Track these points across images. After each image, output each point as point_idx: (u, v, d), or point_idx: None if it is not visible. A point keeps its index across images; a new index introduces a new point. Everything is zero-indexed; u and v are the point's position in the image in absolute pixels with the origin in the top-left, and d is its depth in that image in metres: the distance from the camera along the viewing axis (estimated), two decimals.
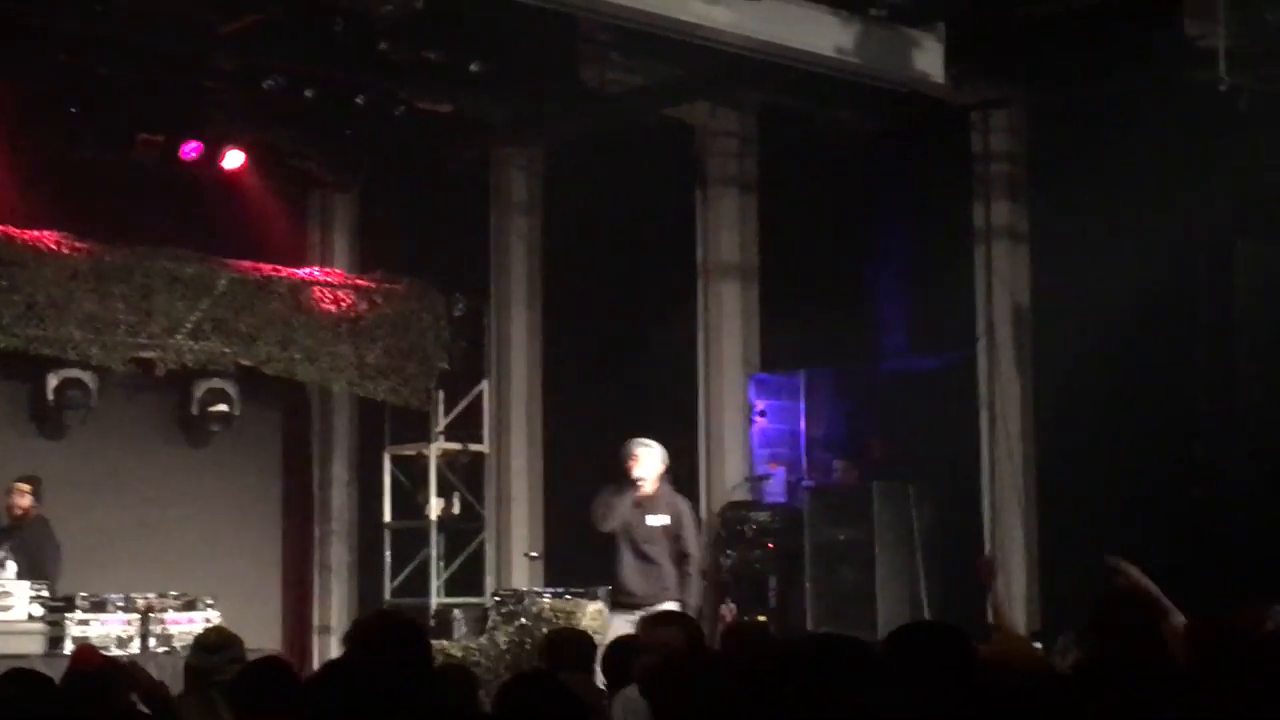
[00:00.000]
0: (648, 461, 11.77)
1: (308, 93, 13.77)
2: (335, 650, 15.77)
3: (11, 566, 12.46)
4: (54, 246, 13.63)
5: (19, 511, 13.31)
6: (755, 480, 14.04)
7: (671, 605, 10.84)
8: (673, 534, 11.68)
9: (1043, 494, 12.77)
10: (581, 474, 14.76)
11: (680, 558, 11.67)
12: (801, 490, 13.71)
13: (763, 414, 14.12)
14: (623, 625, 10.95)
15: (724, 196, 14.42)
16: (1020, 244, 13.00)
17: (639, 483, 11.70)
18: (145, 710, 6.59)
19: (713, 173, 14.47)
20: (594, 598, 12.92)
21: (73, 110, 13.92)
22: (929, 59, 11.75)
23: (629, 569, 11.66)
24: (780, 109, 13.93)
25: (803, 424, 14.10)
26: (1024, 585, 12.58)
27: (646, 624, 7.22)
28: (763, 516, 13.69)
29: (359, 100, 13.96)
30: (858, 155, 13.73)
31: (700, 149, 14.52)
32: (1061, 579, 12.28)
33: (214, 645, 7.41)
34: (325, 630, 16.13)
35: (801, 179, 14.10)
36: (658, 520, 11.69)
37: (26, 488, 13.37)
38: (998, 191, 13.04)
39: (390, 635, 4.33)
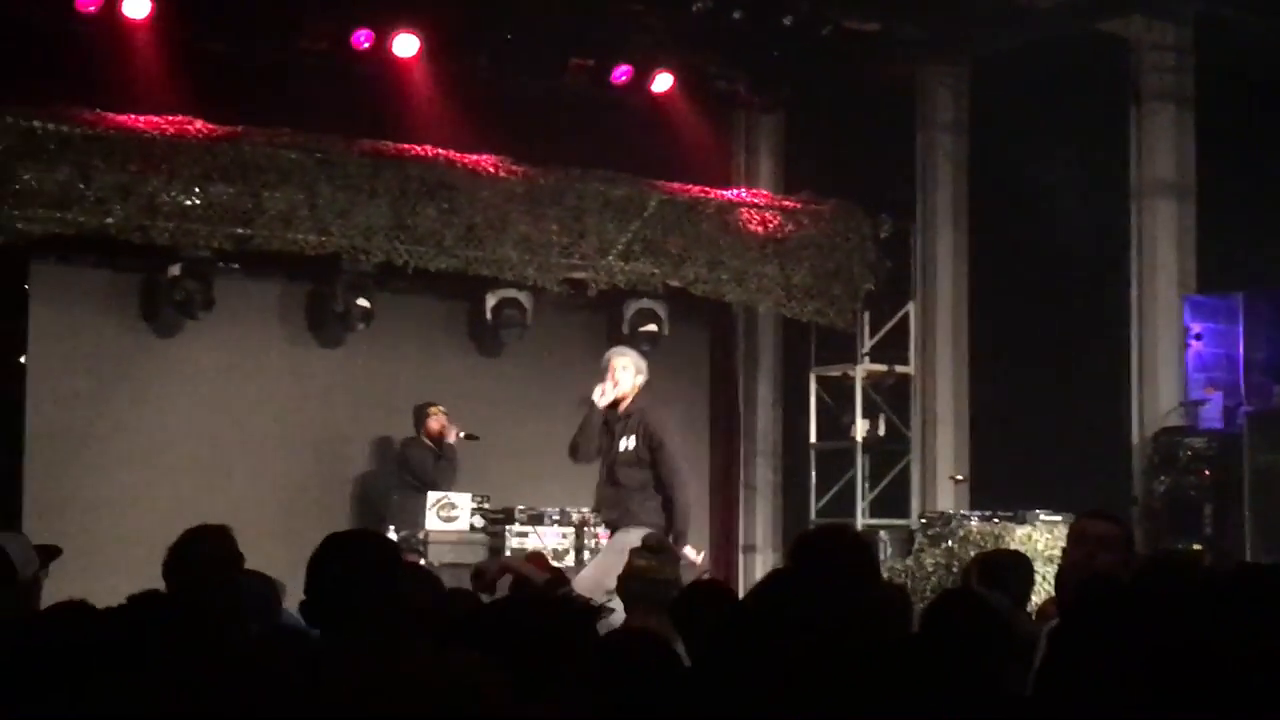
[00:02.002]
0: (624, 376, 11.00)
1: (735, 14, 13.86)
2: (761, 568, 15.96)
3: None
4: (491, 170, 14.03)
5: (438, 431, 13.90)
6: (1190, 405, 13.63)
7: (639, 531, 10.00)
8: (640, 459, 10.87)
9: None
10: (1008, 396, 14.61)
11: (656, 483, 10.85)
12: (1239, 415, 13.25)
13: (1198, 337, 13.69)
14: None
15: (1159, 112, 13.97)
16: None
17: (617, 400, 10.96)
18: None
19: (1148, 88, 14.01)
20: (1022, 521, 12.76)
21: (507, 37, 14.30)
22: None
23: (599, 489, 11.12)
24: (1217, 19, 13.41)
25: (1241, 347, 13.63)
26: None
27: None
28: (1198, 442, 13.29)
29: (786, 21, 13.96)
30: None
31: (1134, 63, 14.08)
32: None
33: (658, 548, 7.62)
34: (750, 549, 16.32)
35: (1241, 93, 13.55)
36: (626, 443, 10.93)
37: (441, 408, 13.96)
38: None
39: (838, 549, 4.35)
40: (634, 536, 9.60)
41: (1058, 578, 6.23)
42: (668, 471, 10.88)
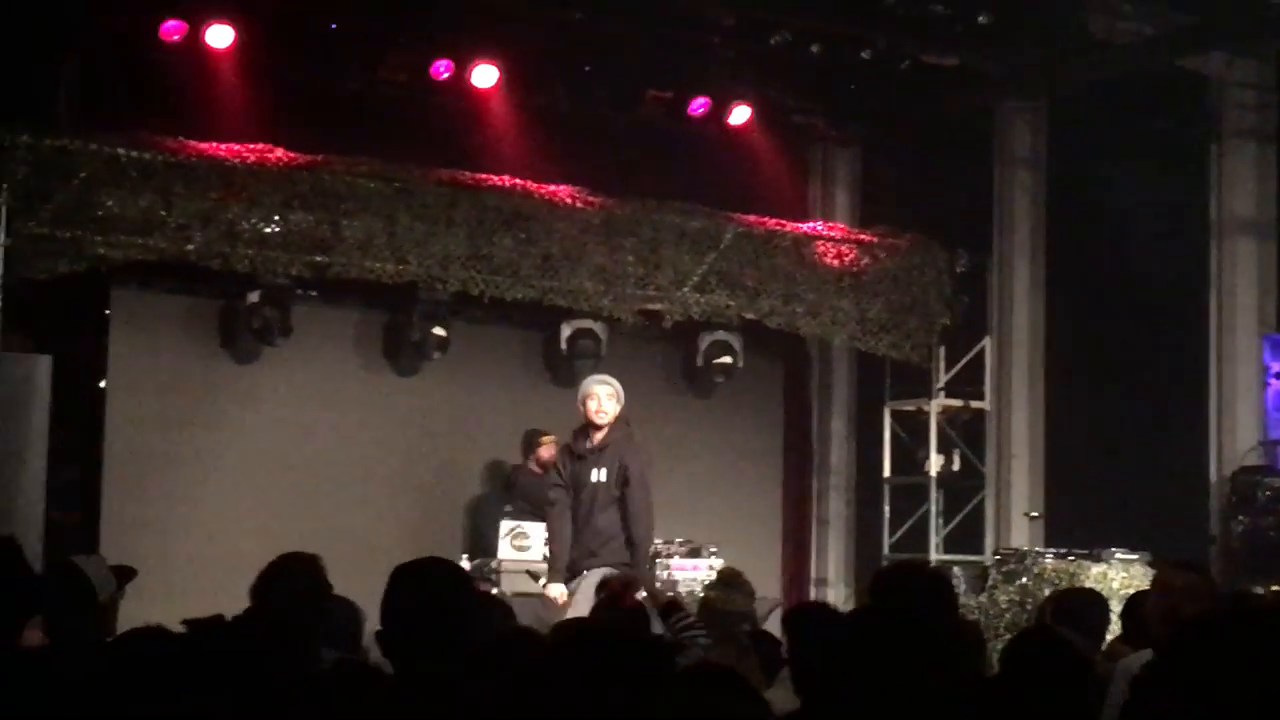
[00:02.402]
0: (610, 405, 10.72)
1: (814, 48, 13.89)
2: (832, 602, 15.90)
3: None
4: (568, 201, 14.08)
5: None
6: (1269, 445, 13.51)
7: (601, 572, 9.90)
8: (612, 496, 10.61)
9: None
10: (1084, 433, 14.52)
11: (622, 520, 10.57)
12: None
13: (1278, 376, 13.58)
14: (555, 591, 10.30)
15: (1240, 149, 13.90)
16: None
17: (594, 431, 10.66)
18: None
19: (1228, 125, 13.95)
20: (1098, 559, 12.66)
21: (585, 69, 14.37)
22: None
23: (575, 534, 10.69)
24: None
25: None
26: None
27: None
28: (1278, 482, 13.17)
29: (864, 55, 13.97)
30: None
31: (1214, 100, 14.01)
32: None
33: (733, 582, 7.62)
34: (823, 582, 16.27)
35: None
36: (599, 475, 10.65)
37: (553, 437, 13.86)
38: None
39: (917, 586, 4.34)
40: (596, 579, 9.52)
41: (1129, 616, 6.20)
42: (638, 507, 10.58)
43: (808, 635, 5.87)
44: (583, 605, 8.80)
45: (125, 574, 6.65)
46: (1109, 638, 8.33)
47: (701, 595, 7.57)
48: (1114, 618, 8.29)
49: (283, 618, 5.53)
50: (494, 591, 12.16)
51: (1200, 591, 5.94)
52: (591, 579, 10.02)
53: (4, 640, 4.54)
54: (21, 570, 4.98)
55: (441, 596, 4.59)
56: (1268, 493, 13.15)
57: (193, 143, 12.80)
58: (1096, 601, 7.93)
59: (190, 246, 12.73)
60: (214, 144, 12.87)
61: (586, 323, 14.56)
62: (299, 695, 3.93)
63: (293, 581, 5.90)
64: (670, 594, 9.32)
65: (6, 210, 11.83)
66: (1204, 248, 14.02)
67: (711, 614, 7.28)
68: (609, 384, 10.87)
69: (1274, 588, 12.28)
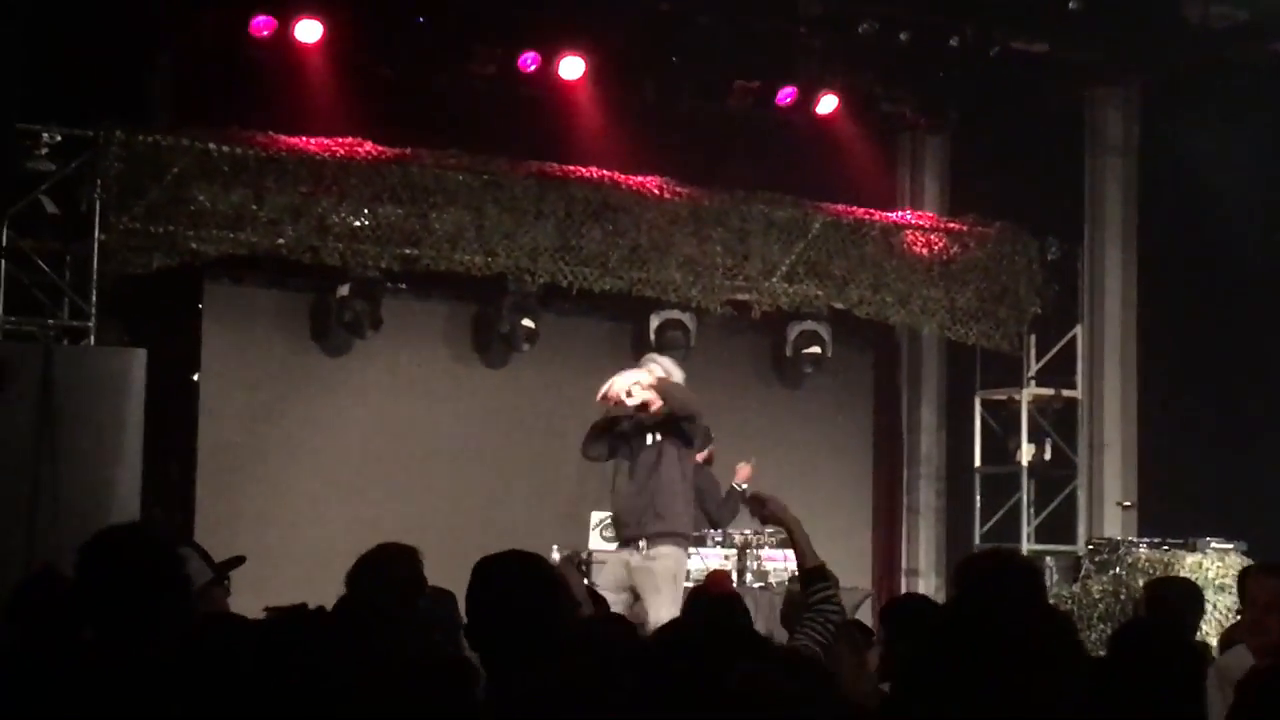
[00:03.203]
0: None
1: (902, 36, 13.83)
2: (924, 592, 15.83)
3: None
4: (656, 192, 14.08)
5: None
6: None
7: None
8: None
9: None
10: (1178, 421, 14.39)
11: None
12: None
13: None
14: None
15: None
16: None
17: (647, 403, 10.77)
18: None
19: None
20: (1193, 549, 12.55)
21: (673, 60, 14.36)
22: None
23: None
24: None
25: None
26: None
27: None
28: None
29: (953, 42, 13.90)
30: None
31: None
32: None
33: (816, 574, 7.55)
34: (914, 573, 16.21)
35: None
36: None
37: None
38: None
39: (1004, 575, 4.31)
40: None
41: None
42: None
43: (905, 627, 5.84)
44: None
45: (232, 564, 6.73)
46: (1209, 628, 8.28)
47: (786, 587, 7.53)
48: (1211, 608, 8.24)
49: (371, 606, 5.56)
50: (585, 582, 12.19)
51: None
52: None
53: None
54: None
55: (523, 589, 4.58)
56: None
57: (283, 137, 12.90)
58: (1191, 591, 7.86)
59: (281, 240, 12.83)
60: (304, 139, 12.96)
61: (675, 313, 14.57)
62: (373, 685, 3.93)
63: (386, 571, 5.94)
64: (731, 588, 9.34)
65: (101, 206, 11.98)
66: None
67: (795, 607, 7.22)
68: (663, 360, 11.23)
69: None
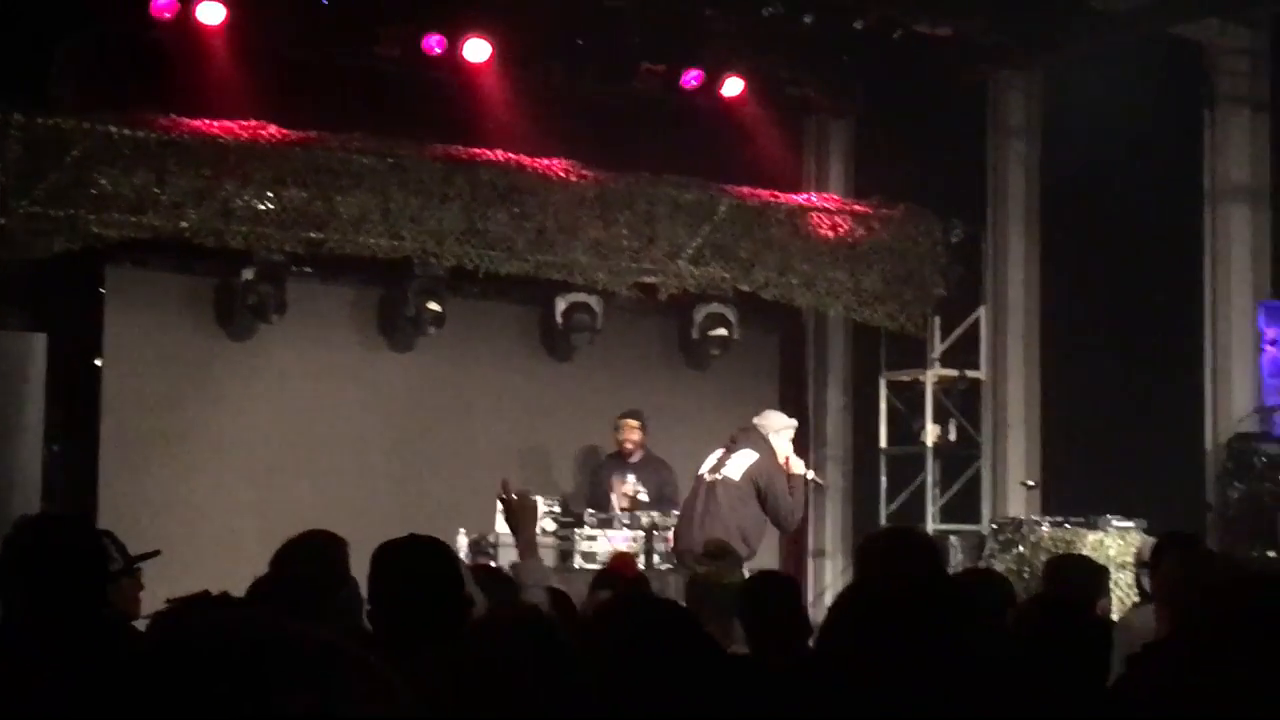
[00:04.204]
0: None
1: (806, 19, 13.88)
2: (830, 573, 15.95)
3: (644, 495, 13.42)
4: (562, 174, 14.08)
5: (630, 448, 13.84)
6: (1265, 411, 13.53)
7: None
8: None
9: None
10: (1080, 401, 14.54)
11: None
12: None
13: (1273, 343, 13.58)
14: None
15: (1234, 117, 13.89)
16: None
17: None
18: None
19: (1222, 92, 13.94)
20: (1094, 527, 12.70)
21: (579, 42, 14.35)
22: None
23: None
24: None
25: None
26: None
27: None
28: (1273, 449, 13.18)
29: (857, 25, 13.96)
30: None
31: (1209, 68, 14.00)
32: None
33: (719, 552, 7.60)
34: (820, 554, 16.30)
35: None
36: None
37: (634, 424, 13.90)
38: None
39: (902, 551, 4.35)
40: None
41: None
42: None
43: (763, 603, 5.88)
44: None
45: (146, 556, 6.68)
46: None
47: (690, 568, 7.55)
48: (1113, 585, 8.34)
49: (288, 594, 5.54)
50: (492, 564, 12.21)
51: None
52: None
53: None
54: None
55: (421, 574, 4.59)
56: (1263, 459, 13.16)
57: (185, 120, 12.79)
58: (1092, 568, 7.96)
59: (184, 224, 12.73)
60: (207, 121, 12.86)
61: (582, 296, 14.58)
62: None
63: (308, 557, 5.91)
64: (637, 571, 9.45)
65: (0, 189, 11.84)
66: (1198, 215, 14.01)
67: (705, 589, 7.23)
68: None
69: (1269, 553, 12.33)
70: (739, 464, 12.22)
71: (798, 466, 12.40)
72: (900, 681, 3.25)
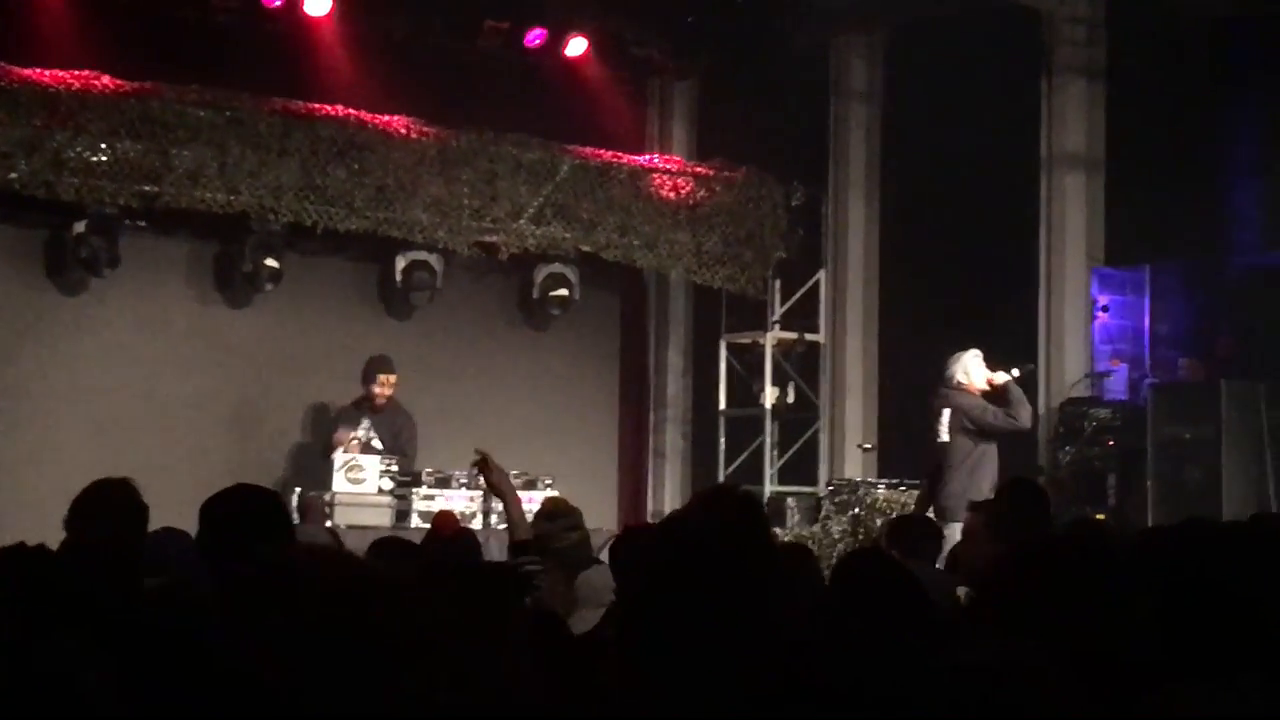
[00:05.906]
0: None
1: None
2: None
3: (377, 443, 13.21)
4: (403, 131, 13.94)
5: (382, 400, 13.71)
6: (1096, 377, 13.76)
7: None
8: None
9: None
10: (917, 365, 14.67)
11: None
12: (1144, 387, 13.38)
13: (1105, 309, 13.81)
14: None
15: (1070, 85, 14.06)
16: None
17: None
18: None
19: (1059, 60, 14.10)
20: None
21: None
22: None
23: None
24: None
25: (1147, 320, 13.75)
26: None
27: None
28: (1103, 413, 13.41)
29: None
30: (1210, 41, 13.24)
31: (1047, 35, 14.15)
32: None
33: (553, 513, 7.60)
34: (659, 515, 16.30)
35: (1151, 66, 13.64)
36: None
37: (393, 379, 13.77)
38: None
39: (719, 506, 4.32)
40: None
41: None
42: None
43: (629, 561, 5.89)
44: None
45: None
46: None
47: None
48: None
49: (103, 544, 5.43)
50: (327, 524, 12.14)
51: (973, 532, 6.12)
52: None
53: None
54: None
55: (248, 523, 4.58)
56: (1094, 424, 13.38)
57: (15, 69, 12.50)
58: (930, 528, 8.06)
59: (14, 175, 12.44)
60: (37, 70, 12.57)
61: (422, 254, 14.46)
62: (122, 622, 3.84)
63: (109, 507, 5.79)
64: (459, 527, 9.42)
65: None
66: (1034, 182, 14.17)
67: (544, 549, 7.24)
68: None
69: (1099, 515, 12.54)
70: (945, 425, 12.05)
71: (999, 377, 12.18)
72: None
